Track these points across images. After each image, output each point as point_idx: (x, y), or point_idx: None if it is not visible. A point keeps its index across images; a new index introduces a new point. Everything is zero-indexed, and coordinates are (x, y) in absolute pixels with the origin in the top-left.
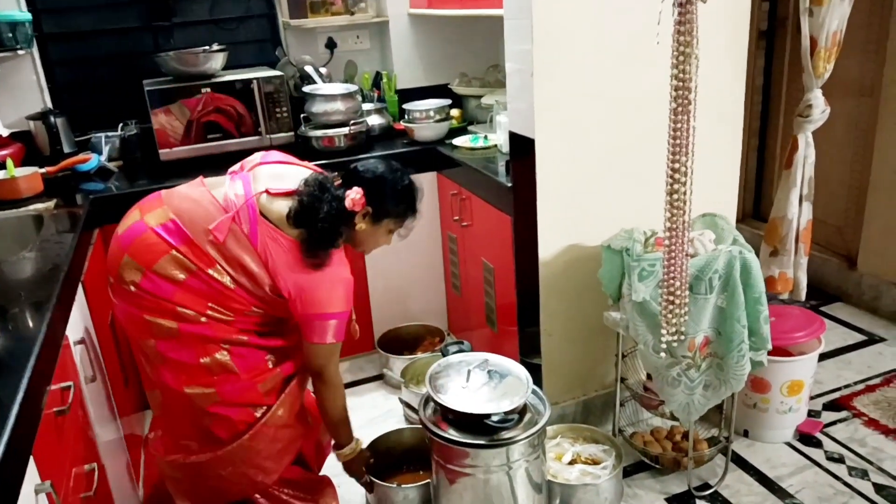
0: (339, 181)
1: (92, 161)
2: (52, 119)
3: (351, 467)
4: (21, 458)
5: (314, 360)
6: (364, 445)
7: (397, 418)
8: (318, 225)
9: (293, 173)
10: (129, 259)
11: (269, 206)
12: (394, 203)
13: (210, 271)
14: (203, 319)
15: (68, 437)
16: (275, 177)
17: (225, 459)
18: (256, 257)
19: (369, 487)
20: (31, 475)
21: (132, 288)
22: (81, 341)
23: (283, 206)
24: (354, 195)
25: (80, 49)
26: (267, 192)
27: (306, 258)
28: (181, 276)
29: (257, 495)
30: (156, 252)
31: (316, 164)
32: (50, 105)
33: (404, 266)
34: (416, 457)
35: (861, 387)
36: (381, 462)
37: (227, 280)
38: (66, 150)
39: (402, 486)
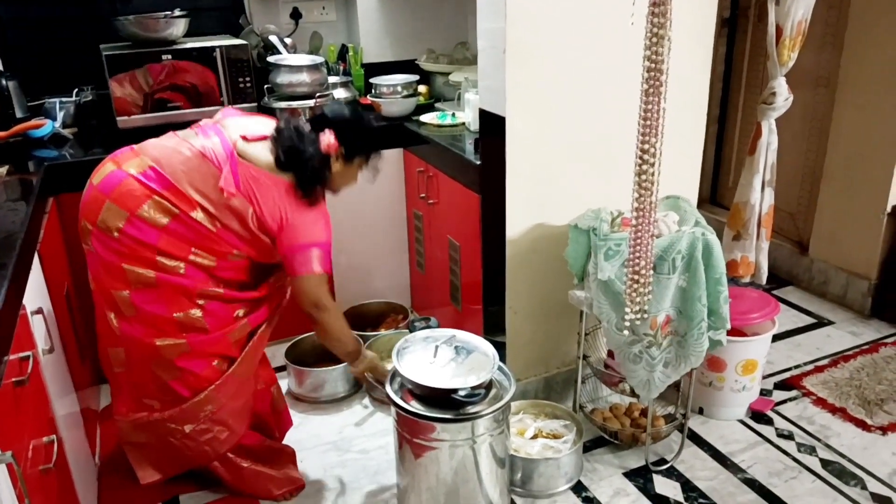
0: (309, 127)
1: (46, 127)
2: (3, 82)
3: (375, 373)
4: None
5: (308, 293)
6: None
7: (361, 393)
8: (308, 164)
9: (256, 123)
10: (112, 204)
11: (246, 149)
12: (362, 142)
13: (192, 214)
14: (182, 269)
15: (27, 408)
16: (242, 127)
17: (189, 413)
18: (241, 197)
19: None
20: None
21: (115, 234)
22: (39, 311)
23: (260, 150)
24: (328, 138)
25: (33, 10)
26: (242, 137)
27: (303, 197)
28: (164, 220)
29: (217, 463)
30: (139, 197)
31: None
32: (1, 67)
33: (368, 243)
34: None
35: (810, 367)
36: (300, 361)
37: (209, 222)
38: (19, 115)
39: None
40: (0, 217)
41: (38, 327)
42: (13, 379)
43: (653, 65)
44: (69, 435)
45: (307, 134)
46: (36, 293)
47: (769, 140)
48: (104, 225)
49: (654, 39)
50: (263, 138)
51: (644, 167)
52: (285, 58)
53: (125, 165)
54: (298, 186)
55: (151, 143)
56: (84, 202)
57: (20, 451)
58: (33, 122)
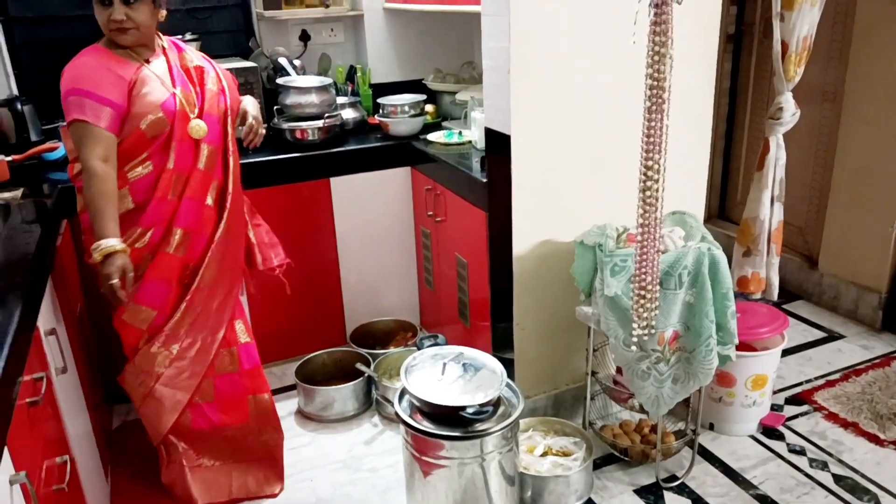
0: None
1: (60, 150)
2: (18, 106)
3: (107, 274)
4: None
5: (70, 148)
6: (124, 252)
7: (371, 411)
8: None
9: None
10: None
11: None
12: None
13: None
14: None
15: (40, 428)
16: None
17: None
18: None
19: (118, 301)
20: (6, 466)
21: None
22: (52, 332)
23: None
24: None
25: (47, 34)
26: None
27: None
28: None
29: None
30: None
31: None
32: (16, 92)
33: (377, 261)
34: (337, 374)
35: (821, 382)
36: (310, 380)
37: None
38: (34, 138)
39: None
40: (15, 239)
41: (51, 348)
42: (27, 399)
43: (655, 83)
44: (82, 455)
45: None
46: (49, 314)
47: (777, 155)
48: None
49: (656, 58)
50: None
51: (648, 183)
52: (294, 79)
53: None
54: None
55: None
56: None
57: (34, 471)
58: (47, 145)
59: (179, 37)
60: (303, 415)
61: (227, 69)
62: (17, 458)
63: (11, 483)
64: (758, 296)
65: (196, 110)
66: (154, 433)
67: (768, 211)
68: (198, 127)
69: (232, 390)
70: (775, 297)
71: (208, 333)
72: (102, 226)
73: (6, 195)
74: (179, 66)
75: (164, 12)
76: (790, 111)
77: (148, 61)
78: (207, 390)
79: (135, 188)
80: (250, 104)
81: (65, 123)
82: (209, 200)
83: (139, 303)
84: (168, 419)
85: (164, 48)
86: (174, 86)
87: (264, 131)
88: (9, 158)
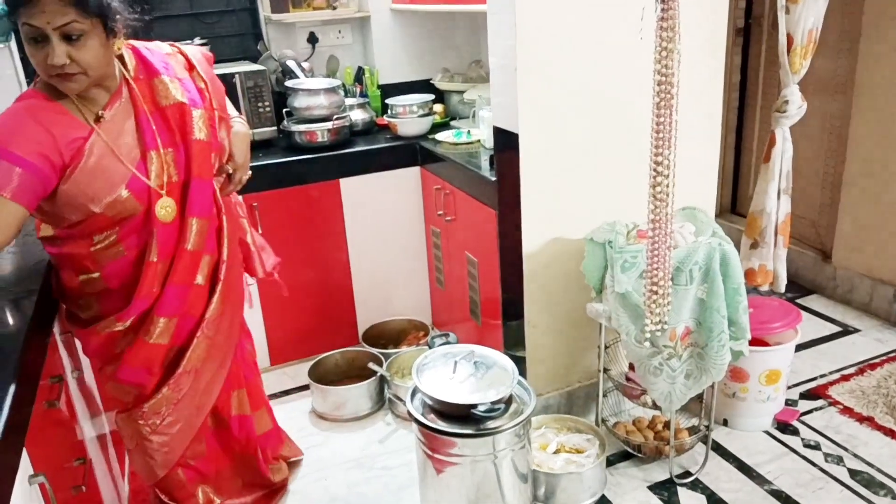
0: None
1: None
2: None
3: None
4: (15, 449)
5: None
6: None
7: (384, 410)
8: None
9: None
10: None
11: None
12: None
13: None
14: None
15: (58, 430)
16: None
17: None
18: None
19: None
20: (25, 466)
21: None
22: (67, 332)
23: None
24: None
25: None
26: None
27: None
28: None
29: None
30: None
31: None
32: None
33: (388, 261)
34: (350, 374)
35: (836, 376)
36: (323, 380)
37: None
38: None
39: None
40: (29, 245)
41: (65, 349)
42: (45, 401)
43: (663, 78)
44: (99, 456)
45: None
46: (64, 316)
47: (784, 148)
48: None
49: (664, 53)
50: None
51: (658, 179)
52: (303, 82)
53: None
54: None
55: None
56: None
57: (52, 472)
58: None
59: (188, 42)
60: (316, 414)
61: (237, 72)
62: (36, 458)
63: (31, 483)
64: (765, 288)
65: (176, 176)
66: (147, 479)
67: (775, 203)
68: (164, 211)
69: (219, 443)
70: (782, 289)
71: (194, 412)
72: None
73: None
74: (150, 111)
75: (120, 42)
76: (796, 104)
77: (101, 117)
78: (199, 449)
79: (108, 273)
80: (239, 143)
81: None
82: (199, 279)
83: (121, 382)
84: (159, 472)
85: (127, 79)
86: (145, 151)
87: (246, 179)
88: None
